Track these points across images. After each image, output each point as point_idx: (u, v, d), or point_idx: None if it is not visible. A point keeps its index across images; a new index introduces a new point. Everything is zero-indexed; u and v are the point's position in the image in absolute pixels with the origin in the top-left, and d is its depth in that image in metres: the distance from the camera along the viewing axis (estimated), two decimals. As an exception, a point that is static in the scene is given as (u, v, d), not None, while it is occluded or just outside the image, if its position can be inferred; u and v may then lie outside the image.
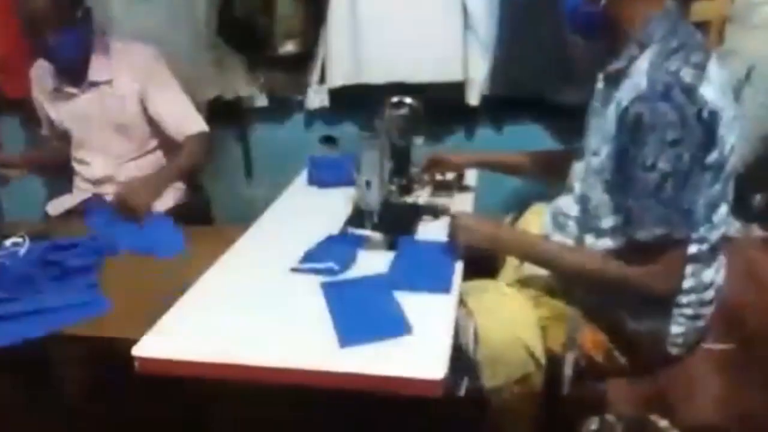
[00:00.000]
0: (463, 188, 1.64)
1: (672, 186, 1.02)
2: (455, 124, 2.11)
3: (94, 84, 1.74)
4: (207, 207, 2.02)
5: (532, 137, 2.05)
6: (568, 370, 1.18)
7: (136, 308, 1.19)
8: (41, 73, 1.80)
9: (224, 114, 2.16)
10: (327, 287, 1.18)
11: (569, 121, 1.97)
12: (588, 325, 1.21)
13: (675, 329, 1.17)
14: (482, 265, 1.35)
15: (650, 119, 1.01)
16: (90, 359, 1.37)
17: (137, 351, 1.01)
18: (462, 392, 1.16)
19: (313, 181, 1.73)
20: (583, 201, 1.22)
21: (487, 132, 2.10)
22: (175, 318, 1.10)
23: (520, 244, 1.26)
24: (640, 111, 1.03)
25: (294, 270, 1.24)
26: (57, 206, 1.84)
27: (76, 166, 1.88)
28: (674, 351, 1.20)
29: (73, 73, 1.74)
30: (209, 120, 1.86)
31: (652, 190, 1.03)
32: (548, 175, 1.49)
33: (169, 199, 1.79)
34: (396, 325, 1.04)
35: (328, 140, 2.11)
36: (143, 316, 1.07)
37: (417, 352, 0.98)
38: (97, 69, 1.73)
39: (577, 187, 1.25)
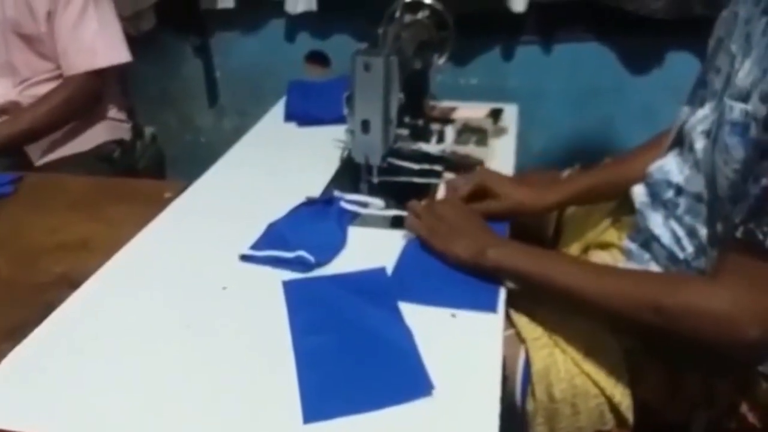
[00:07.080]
0: (500, 130, 1.18)
1: None
2: (489, 39, 1.63)
3: None
4: (154, 147, 1.56)
5: (590, 60, 1.56)
6: None
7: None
8: None
9: (178, 20, 1.69)
10: (292, 293, 0.74)
11: (651, 41, 1.49)
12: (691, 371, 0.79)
13: None
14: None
15: None
16: None
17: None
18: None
19: (291, 115, 1.27)
20: (707, 168, 0.75)
21: (531, 52, 1.64)
22: (20, 362, 0.66)
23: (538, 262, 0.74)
24: None
25: (244, 259, 0.81)
26: None
27: None
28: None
29: None
30: (157, 27, 1.38)
31: None
32: None
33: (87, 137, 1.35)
34: (406, 381, 0.61)
35: (317, 58, 1.66)
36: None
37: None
38: None
39: (700, 144, 0.78)
